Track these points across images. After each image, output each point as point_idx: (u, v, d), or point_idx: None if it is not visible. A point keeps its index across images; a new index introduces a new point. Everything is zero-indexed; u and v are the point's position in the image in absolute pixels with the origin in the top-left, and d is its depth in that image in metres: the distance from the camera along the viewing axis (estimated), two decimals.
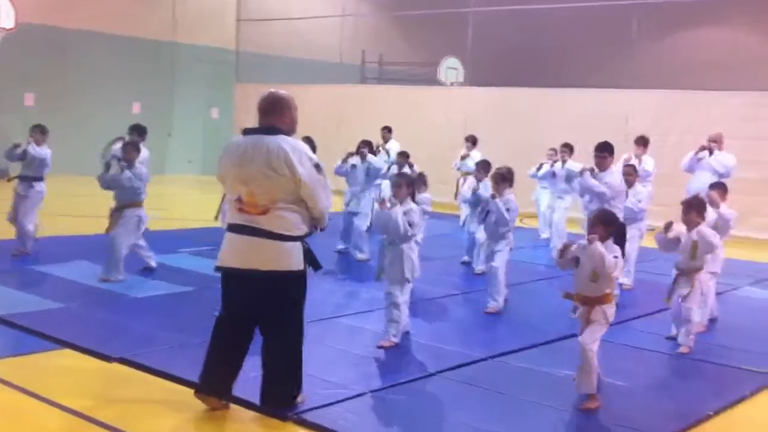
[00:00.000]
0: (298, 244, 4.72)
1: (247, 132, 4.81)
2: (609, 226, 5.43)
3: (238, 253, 4.73)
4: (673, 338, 6.97)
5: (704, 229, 6.76)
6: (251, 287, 4.76)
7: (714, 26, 22.75)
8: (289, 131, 4.77)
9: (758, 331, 7.72)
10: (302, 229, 4.74)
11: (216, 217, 8.59)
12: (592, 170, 8.61)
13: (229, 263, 4.78)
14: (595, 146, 8.82)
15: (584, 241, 5.39)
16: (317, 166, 4.71)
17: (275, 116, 4.76)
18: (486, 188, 8.96)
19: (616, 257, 5.33)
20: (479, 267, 9.67)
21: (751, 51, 22.15)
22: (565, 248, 5.46)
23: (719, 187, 7.84)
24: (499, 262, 8.00)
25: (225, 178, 4.82)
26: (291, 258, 4.69)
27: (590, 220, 5.58)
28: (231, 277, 4.83)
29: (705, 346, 6.95)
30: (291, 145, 4.63)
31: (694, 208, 6.81)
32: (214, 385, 4.98)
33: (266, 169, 4.56)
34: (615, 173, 8.82)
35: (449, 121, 17.40)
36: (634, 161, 11.27)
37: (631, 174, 9.25)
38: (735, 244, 10.56)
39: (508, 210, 7.93)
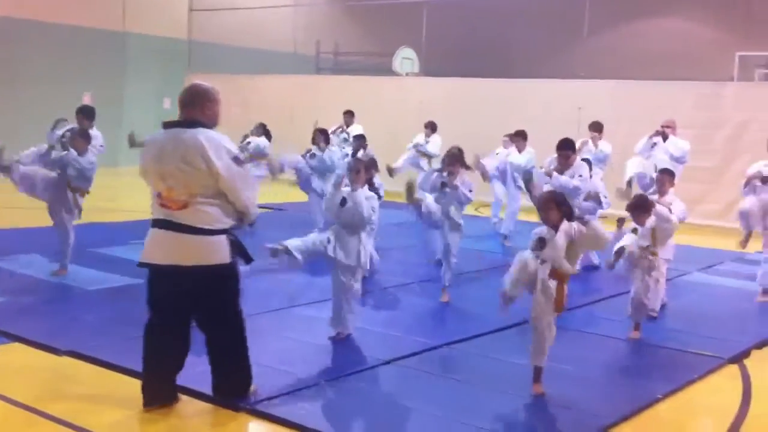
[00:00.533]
0: (222, 238, 4.62)
1: (166, 125, 4.67)
2: (560, 206, 5.38)
3: (161, 249, 4.62)
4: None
5: (660, 209, 6.81)
6: (178, 284, 4.64)
7: (667, 17, 23.04)
8: (211, 124, 4.65)
9: (707, 316, 7.86)
10: (225, 223, 4.64)
11: None
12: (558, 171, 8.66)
13: (154, 259, 4.66)
14: (557, 144, 8.79)
15: (543, 228, 5.39)
16: (236, 159, 4.59)
17: (197, 109, 4.64)
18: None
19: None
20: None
21: (703, 41, 22.47)
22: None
23: (668, 173, 7.96)
24: (455, 243, 7.97)
25: (146, 173, 4.69)
26: (215, 252, 4.59)
27: (542, 202, 5.44)
28: (157, 274, 4.72)
29: (655, 330, 7.07)
30: (208, 137, 4.51)
31: (641, 209, 6.85)
32: (160, 396, 4.88)
33: (182, 164, 4.46)
34: (583, 166, 8.86)
35: (404, 112, 17.41)
36: (590, 146, 11.42)
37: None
38: (686, 230, 10.71)
39: (470, 191, 7.85)
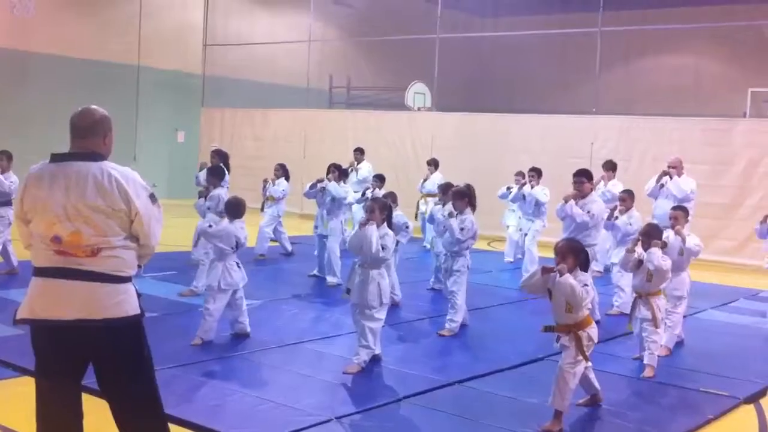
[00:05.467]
0: (131, 286, 3.98)
1: (58, 158, 3.93)
2: (577, 255, 5.49)
3: (58, 301, 3.84)
4: (640, 358, 7.02)
5: (655, 251, 6.83)
6: (81, 342, 3.90)
7: (678, 53, 23.09)
8: (107, 156, 4.01)
9: (722, 355, 7.77)
10: (134, 269, 4.02)
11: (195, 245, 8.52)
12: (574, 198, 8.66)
13: (46, 314, 3.85)
14: (573, 172, 8.88)
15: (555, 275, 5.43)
16: (152, 197, 3.99)
17: (98, 138, 3.96)
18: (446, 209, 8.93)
19: (585, 285, 5.39)
20: (437, 285, 9.90)
21: (714, 77, 22.50)
22: (545, 270, 5.48)
23: (681, 210, 8.01)
24: (457, 285, 8.03)
25: (32, 214, 3.91)
26: (127, 302, 3.93)
27: (559, 249, 5.57)
28: (49, 333, 3.92)
29: (669, 369, 7.00)
30: (122, 173, 3.88)
31: (652, 237, 6.93)
32: None
33: (96, 203, 3.79)
34: (598, 201, 8.89)
35: (416, 146, 17.48)
36: (600, 185, 11.40)
37: (625, 199, 9.31)
38: (699, 267, 10.66)
39: (462, 229, 7.94)
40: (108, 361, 3.97)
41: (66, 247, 3.80)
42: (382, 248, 6.50)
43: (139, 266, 4.12)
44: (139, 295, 4.02)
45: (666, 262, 6.87)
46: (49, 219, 3.82)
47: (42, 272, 3.89)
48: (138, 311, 3.96)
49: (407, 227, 9.36)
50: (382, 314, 6.68)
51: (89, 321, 3.81)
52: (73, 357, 3.96)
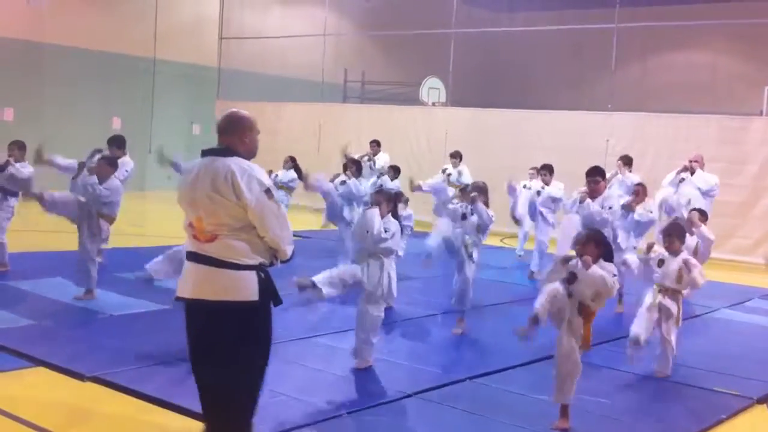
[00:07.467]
0: (251, 274, 4.21)
1: (203, 153, 4.37)
2: (600, 246, 5.43)
3: (191, 283, 4.27)
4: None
5: (688, 257, 6.78)
6: (205, 319, 4.25)
7: (695, 49, 22.97)
8: (248, 154, 4.36)
9: (735, 355, 7.74)
10: (255, 259, 4.24)
11: None
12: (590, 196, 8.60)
13: (183, 293, 4.32)
14: (586, 171, 8.74)
15: (575, 262, 5.38)
16: (268, 192, 4.21)
17: (233, 137, 4.34)
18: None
19: (615, 275, 5.37)
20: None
21: (731, 75, 22.36)
22: (564, 261, 5.44)
23: (699, 210, 8.00)
24: (470, 274, 8.03)
25: (180, 201, 4.38)
26: (244, 288, 4.19)
27: (580, 240, 5.51)
28: (188, 310, 4.34)
29: (682, 368, 6.96)
30: (240, 167, 4.20)
31: (675, 236, 6.86)
32: None
33: (212, 193, 4.15)
34: (614, 196, 8.82)
35: (430, 141, 17.45)
36: (618, 176, 11.39)
37: (639, 192, 9.28)
38: (713, 266, 10.61)
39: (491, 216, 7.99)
40: (218, 340, 4.22)
41: (195, 232, 4.25)
42: (385, 230, 6.49)
43: (279, 260, 4.35)
44: (269, 285, 4.25)
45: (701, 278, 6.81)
46: (185, 207, 4.31)
47: (187, 256, 4.35)
48: (255, 298, 4.19)
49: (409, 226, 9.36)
50: (383, 306, 6.67)
51: (210, 301, 4.19)
52: (202, 333, 4.27)
